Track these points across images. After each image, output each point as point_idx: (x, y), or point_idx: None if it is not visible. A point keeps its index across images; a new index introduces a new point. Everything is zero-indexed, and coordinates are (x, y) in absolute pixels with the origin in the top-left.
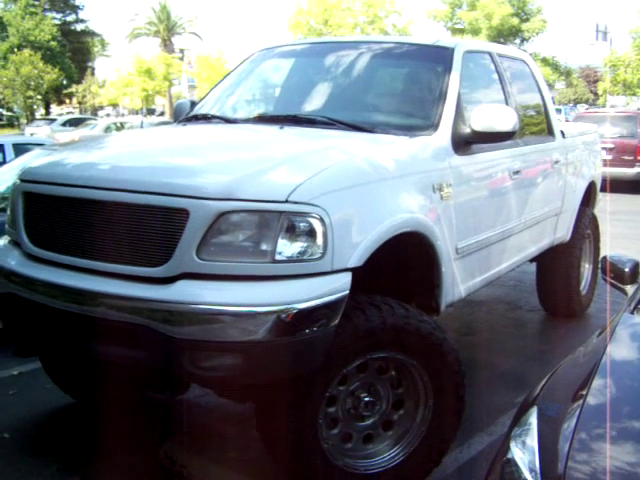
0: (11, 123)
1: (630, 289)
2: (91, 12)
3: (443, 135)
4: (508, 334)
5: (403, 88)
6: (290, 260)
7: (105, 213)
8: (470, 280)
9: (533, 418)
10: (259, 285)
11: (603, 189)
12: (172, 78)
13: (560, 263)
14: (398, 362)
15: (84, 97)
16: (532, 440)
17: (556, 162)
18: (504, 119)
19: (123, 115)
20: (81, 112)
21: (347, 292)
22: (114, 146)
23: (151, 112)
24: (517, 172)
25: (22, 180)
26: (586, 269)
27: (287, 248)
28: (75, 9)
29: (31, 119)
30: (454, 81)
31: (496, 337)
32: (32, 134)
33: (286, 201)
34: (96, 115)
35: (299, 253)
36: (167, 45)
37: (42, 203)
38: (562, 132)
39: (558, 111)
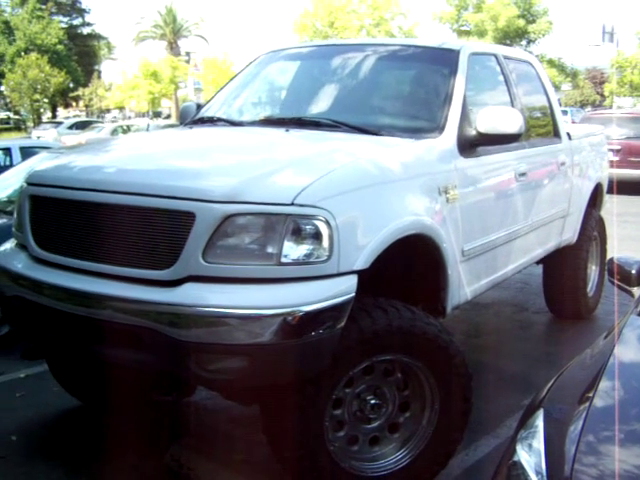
0: (18, 126)
1: (637, 291)
2: (97, 15)
3: (449, 137)
4: (514, 336)
5: (409, 90)
6: (296, 263)
7: (111, 216)
8: (476, 282)
9: (539, 420)
10: (265, 288)
11: (610, 191)
12: (178, 81)
13: (567, 265)
14: (404, 364)
15: (91, 100)
16: (539, 443)
17: (562, 164)
18: (510, 121)
19: (130, 118)
20: (88, 115)
21: (353, 295)
22: (120, 149)
23: (157, 115)
24: (523, 174)
25: (29, 183)
26: (593, 271)
27: (293, 251)
28: (82, 13)
29: (38, 122)
30: (460, 83)
31: (502, 339)
32: (39, 137)
33: (292, 204)
34: (102, 118)
35: (305, 256)
36: (173, 48)
37: (49, 206)
38: (568, 134)
39: (564, 113)
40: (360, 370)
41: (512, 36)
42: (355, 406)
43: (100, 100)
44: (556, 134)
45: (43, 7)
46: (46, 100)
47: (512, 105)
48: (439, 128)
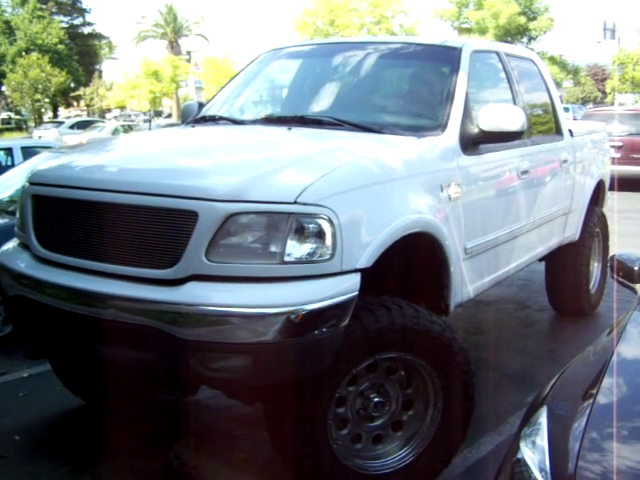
0: (19, 126)
1: (639, 288)
2: (98, 15)
3: (451, 135)
4: (517, 334)
5: (410, 88)
6: (299, 261)
7: (114, 215)
8: (479, 280)
9: (543, 418)
10: (268, 286)
11: (612, 188)
12: (179, 80)
13: (569, 262)
14: (407, 362)
15: (92, 100)
16: (542, 440)
17: (564, 161)
18: (512, 119)
19: (131, 117)
20: (89, 115)
21: (356, 293)
22: (122, 148)
23: (158, 114)
24: (525, 172)
25: (31, 183)
26: (595, 268)
27: (296, 249)
28: (82, 12)
29: (39, 122)
30: (462, 81)
31: (505, 337)
32: (40, 137)
33: (295, 202)
34: (104, 118)
35: (308, 254)
36: (174, 47)
37: (51, 206)
38: (570, 131)
39: (566, 110)
40: (363, 368)
41: (513, 33)
42: (358, 404)
43: (101, 100)
44: (558, 131)
45: (44, 7)
46: (47, 100)
47: (514, 102)
48: (441, 126)
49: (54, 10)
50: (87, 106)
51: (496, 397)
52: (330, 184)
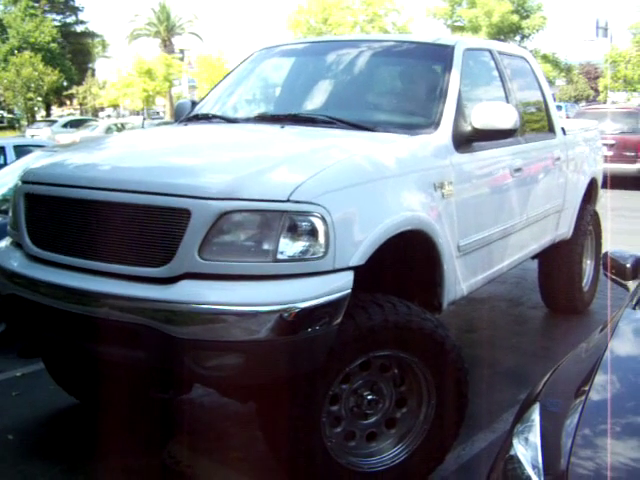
0: (12, 125)
1: (632, 285)
2: (91, 13)
3: (444, 133)
4: (510, 331)
5: (403, 86)
6: (292, 259)
7: (107, 214)
8: (472, 278)
9: (536, 415)
10: (261, 284)
11: (604, 185)
12: (172, 78)
13: (562, 260)
14: (401, 360)
15: (85, 98)
16: (535, 436)
17: (557, 159)
18: (505, 116)
19: (124, 116)
20: (82, 113)
21: (349, 291)
22: (115, 147)
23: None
24: (518, 169)
25: (24, 182)
26: (588, 265)
27: (289, 247)
28: (75, 10)
29: (32, 121)
30: (454, 79)
31: (498, 334)
32: (33, 136)
33: (287, 200)
34: (97, 116)
35: (301, 252)
36: (167, 45)
37: (44, 204)
38: (563, 129)
39: (559, 108)
40: (357, 366)
41: (506, 31)
42: (352, 402)
43: (94, 98)
44: (551, 129)
45: (36, 5)
46: (40, 98)
47: (507, 100)
48: (434, 124)
49: (47, 8)
50: (80, 105)
51: (489, 394)
52: (323, 182)
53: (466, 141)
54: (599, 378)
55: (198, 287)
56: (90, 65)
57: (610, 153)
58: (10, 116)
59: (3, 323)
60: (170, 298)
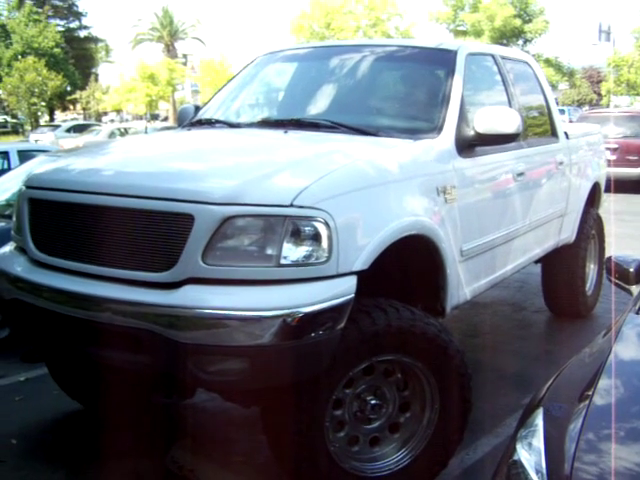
0: (15, 130)
1: (635, 289)
2: (94, 18)
3: (447, 138)
4: (514, 335)
5: (406, 91)
6: (295, 264)
7: (110, 219)
8: (475, 282)
9: (539, 419)
10: (265, 289)
11: (607, 189)
12: (175, 83)
13: (565, 264)
14: (404, 365)
15: (88, 103)
16: (538, 441)
17: (560, 163)
18: (507, 121)
19: (127, 121)
20: (85, 118)
21: (353, 295)
22: (118, 152)
23: (155, 117)
24: (521, 174)
25: (27, 187)
26: (591, 270)
27: (292, 252)
28: (78, 16)
29: (35, 126)
30: (457, 84)
31: (502, 339)
32: (36, 141)
33: (291, 205)
34: (100, 121)
35: (304, 257)
36: (170, 50)
37: (47, 209)
38: (566, 133)
39: (562, 112)
40: (360, 370)
41: (509, 36)
42: (355, 406)
43: (97, 103)
44: (554, 134)
45: (40, 10)
46: (43, 103)
47: (510, 105)
48: (437, 128)
49: (50, 14)
50: (83, 109)
51: (493, 399)
52: (326, 187)
53: (469, 146)
54: (603, 383)
55: (201, 292)
56: (93, 70)
57: (613, 157)
58: (14, 121)
59: (7, 328)
60: (173, 303)
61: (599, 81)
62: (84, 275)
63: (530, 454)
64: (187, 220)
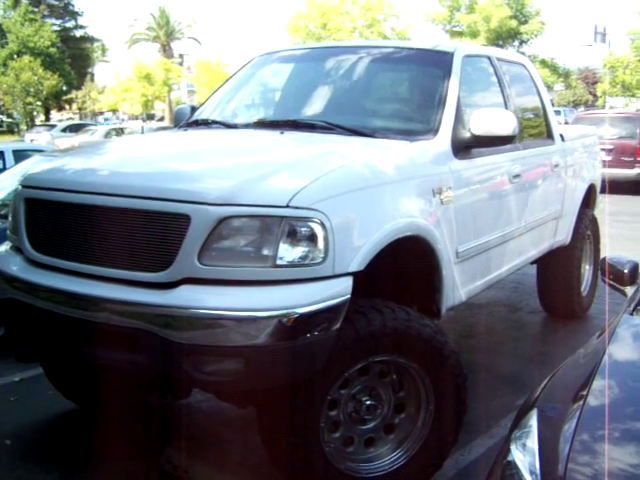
0: (11, 129)
1: (629, 290)
2: (90, 18)
3: (443, 139)
4: (509, 336)
5: (403, 93)
6: (291, 265)
7: (106, 219)
8: (471, 284)
9: (533, 420)
10: (261, 290)
11: (603, 191)
12: (171, 83)
13: (560, 265)
14: (399, 365)
15: (84, 103)
16: (532, 442)
17: (556, 165)
18: (503, 123)
19: (123, 120)
20: (81, 118)
21: (348, 296)
22: (114, 152)
23: (150, 117)
24: (517, 176)
25: (23, 186)
26: (586, 271)
27: (288, 253)
28: (74, 15)
29: (31, 125)
30: (454, 85)
31: (497, 339)
32: (32, 140)
33: (287, 206)
34: (96, 121)
35: (300, 258)
36: (166, 50)
37: (43, 209)
38: (561, 135)
39: (557, 113)
40: (355, 371)
41: (504, 37)
42: (350, 407)
43: (93, 103)
44: (549, 136)
45: (35, 10)
46: (39, 103)
47: (505, 107)
48: (433, 130)
49: (46, 13)
50: (79, 109)
51: (488, 400)
52: (322, 188)
53: (465, 147)
54: (597, 383)
55: (197, 292)
56: (89, 70)
57: (608, 158)
58: (9, 120)
59: (2, 327)
60: (169, 303)
61: (595, 82)
62: (80, 275)
63: (524, 455)
64: (183, 220)
